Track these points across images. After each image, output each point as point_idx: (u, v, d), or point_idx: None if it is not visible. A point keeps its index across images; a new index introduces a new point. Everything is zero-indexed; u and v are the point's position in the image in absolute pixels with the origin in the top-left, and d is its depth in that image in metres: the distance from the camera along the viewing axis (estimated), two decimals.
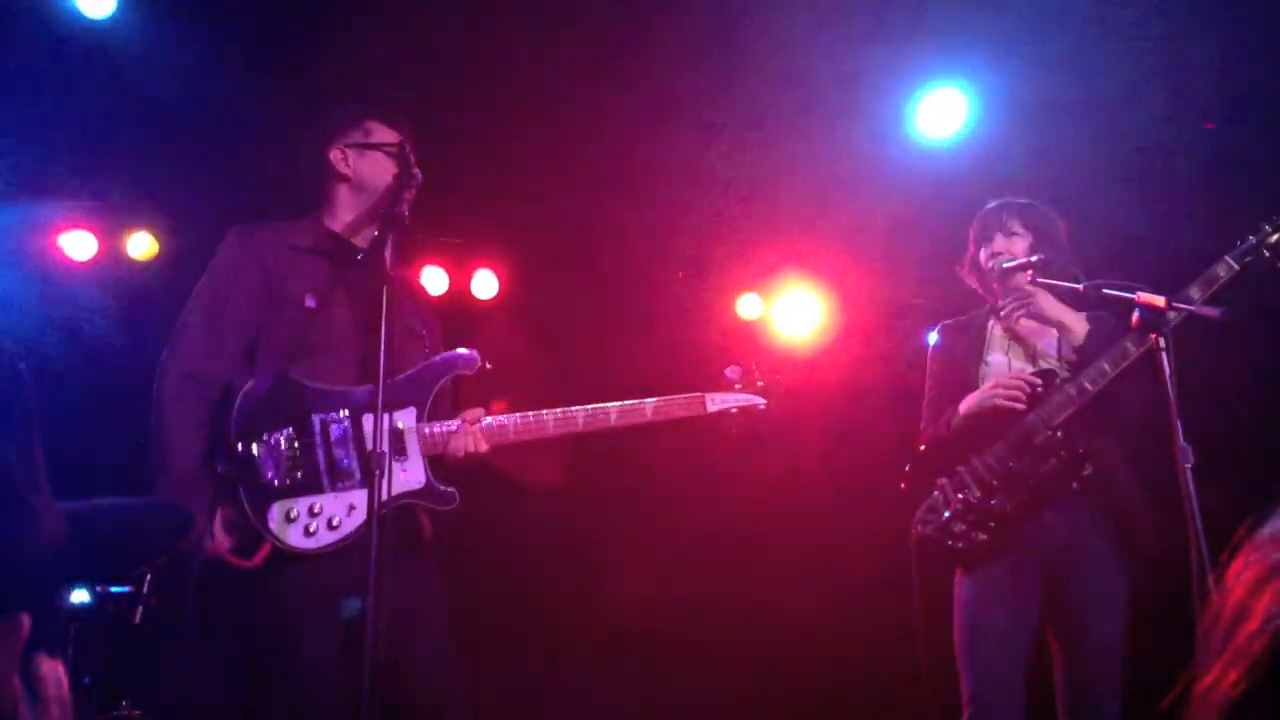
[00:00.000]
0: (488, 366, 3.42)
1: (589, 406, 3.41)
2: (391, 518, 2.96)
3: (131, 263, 5.92)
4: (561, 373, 6.23)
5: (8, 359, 1.60)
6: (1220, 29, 4.76)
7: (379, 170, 3.47)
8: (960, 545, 3.55)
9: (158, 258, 5.93)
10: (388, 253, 3.16)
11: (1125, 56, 4.88)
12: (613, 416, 3.42)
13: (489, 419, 3.31)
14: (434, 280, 6.29)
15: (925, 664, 3.58)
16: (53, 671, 1.77)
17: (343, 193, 3.51)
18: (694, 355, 6.21)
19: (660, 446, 5.53)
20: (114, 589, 4.54)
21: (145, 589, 4.73)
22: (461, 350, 3.40)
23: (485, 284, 6.45)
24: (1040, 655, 3.60)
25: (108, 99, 5.22)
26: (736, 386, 3.58)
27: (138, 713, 4.73)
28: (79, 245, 5.84)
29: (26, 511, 1.56)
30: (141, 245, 5.93)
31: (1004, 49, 5.10)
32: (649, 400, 3.46)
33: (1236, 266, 3.41)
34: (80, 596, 4.51)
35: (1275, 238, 3.41)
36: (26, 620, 1.71)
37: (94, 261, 5.87)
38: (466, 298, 6.40)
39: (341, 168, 3.50)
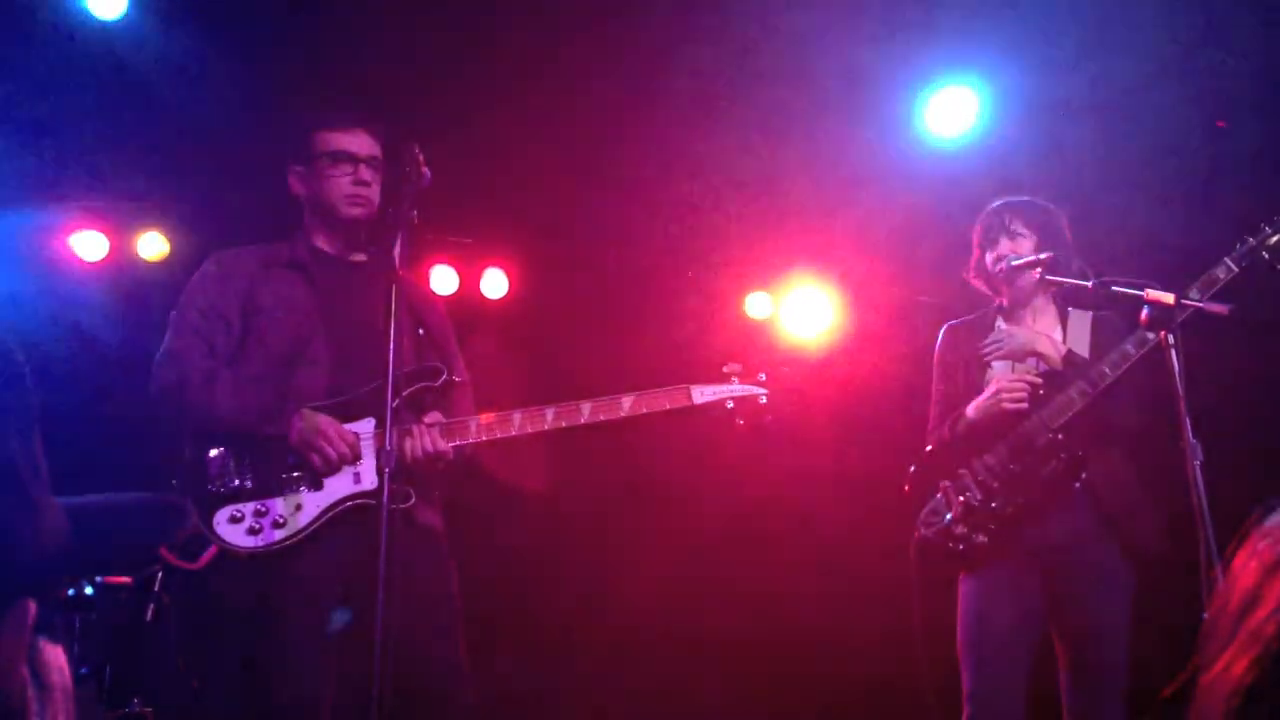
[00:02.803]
0: (455, 380, 3.36)
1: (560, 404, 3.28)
2: (354, 515, 3.10)
3: (142, 263, 5.94)
4: (571, 371, 6.23)
5: (11, 357, 1.62)
6: (1232, 27, 4.75)
7: (329, 183, 3.35)
8: (961, 547, 3.55)
9: (169, 258, 5.94)
10: (396, 253, 3.07)
11: (1137, 55, 4.87)
12: (585, 411, 3.27)
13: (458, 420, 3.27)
14: (444, 279, 6.30)
15: (925, 664, 3.57)
16: (56, 659, 1.80)
17: (309, 213, 3.45)
18: (704, 353, 6.21)
19: (668, 444, 5.54)
20: (100, 579, 4.56)
21: (156, 587, 4.76)
22: (429, 364, 3.34)
23: (495, 283, 6.46)
24: (1043, 654, 3.59)
25: (119, 100, 5.25)
26: (734, 380, 3.44)
27: (149, 710, 4.74)
28: (90, 246, 5.86)
29: (30, 503, 1.60)
30: (152, 246, 5.95)
31: (1015, 48, 5.09)
32: (627, 395, 3.30)
33: (1236, 268, 3.39)
34: (82, 589, 4.53)
35: (1275, 239, 3.39)
36: (33, 607, 1.74)
37: (105, 262, 5.91)
38: (476, 297, 6.41)
39: (297, 189, 3.42)
